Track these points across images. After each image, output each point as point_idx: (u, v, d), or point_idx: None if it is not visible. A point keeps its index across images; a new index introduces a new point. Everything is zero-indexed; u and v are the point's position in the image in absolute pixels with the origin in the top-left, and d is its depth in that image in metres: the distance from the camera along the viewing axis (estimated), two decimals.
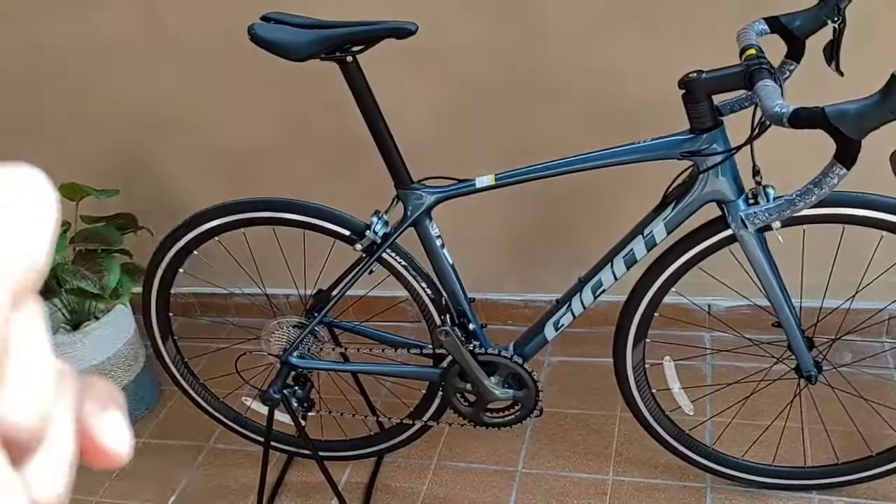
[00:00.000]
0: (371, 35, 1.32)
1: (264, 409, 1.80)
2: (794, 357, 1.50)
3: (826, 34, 1.37)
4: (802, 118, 1.07)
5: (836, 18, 1.35)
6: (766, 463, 1.70)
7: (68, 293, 2.08)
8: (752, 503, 1.69)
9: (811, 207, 1.20)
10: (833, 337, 1.54)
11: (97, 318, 2.15)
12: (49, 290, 1.97)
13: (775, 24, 1.38)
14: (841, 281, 1.58)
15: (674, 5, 1.71)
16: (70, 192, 2.04)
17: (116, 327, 2.15)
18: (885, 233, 1.36)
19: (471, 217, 1.88)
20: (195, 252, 1.66)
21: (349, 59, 1.36)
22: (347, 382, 1.94)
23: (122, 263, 2.04)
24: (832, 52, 1.38)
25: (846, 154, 1.08)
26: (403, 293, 2.17)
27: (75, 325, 2.13)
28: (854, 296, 1.55)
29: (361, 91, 1.39)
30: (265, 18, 1.37)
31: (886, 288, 1.63)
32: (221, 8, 1.98)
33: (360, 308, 2.05)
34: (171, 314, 1.78)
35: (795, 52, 1.39)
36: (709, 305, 2.13)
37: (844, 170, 1.09)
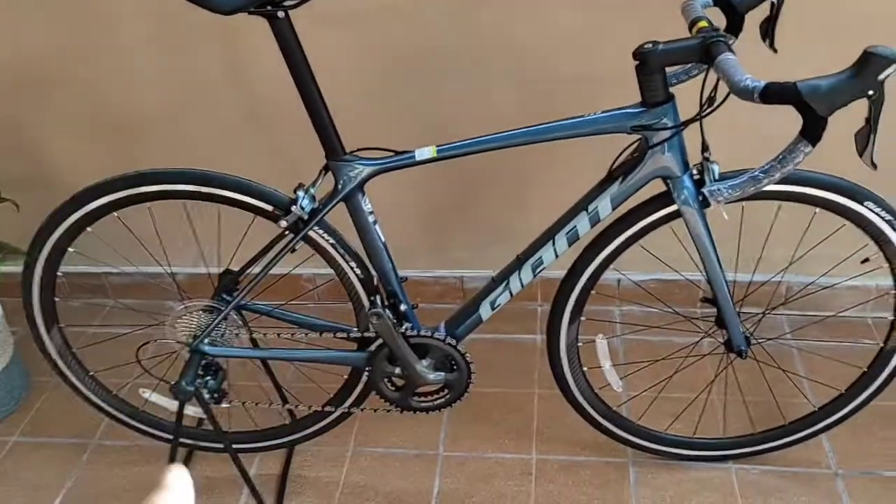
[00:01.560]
0: None
1: (165, 402, 1.64)
2: (723, 331, 1.52)
3: (763, 10, 1.37)
4: (774, 93, 1.05)
5: None
6: (687, 436, 1.73)
7: None
8: (672, 475, 1.72)
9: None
10: (763, 311, 1.57)
11: None
12: None
13: None
14: (777, 256, 1.62)
15: None
16: None
17: None
18: (818, 209, 1.38)
19: (379, 190, 1.78)
20: (89, 229, 1.47)
21: (281, 14, 1.22)
22: (256, 368, 1.80)
23: None
24: (768, 29, 1.38)
25: (814, 131, 1.06)
26: (316, 272, 2.07)
27: None
28: (785, 269, 1.59)
29: (292, 50, 1.25)
30: None
31: (814, 262, 1.67)
32: None
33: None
34: (56, 298, 1.57)
35: (734, 27, 1.38)
36: (618, 280, 2.14)
37: (810, 147, 1.08)
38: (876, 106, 1.04)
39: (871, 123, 1.05)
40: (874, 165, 1.08)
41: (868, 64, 1.01)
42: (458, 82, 1.83)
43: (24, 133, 2.07)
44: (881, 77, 1.02)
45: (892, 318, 1.52)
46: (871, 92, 1.03)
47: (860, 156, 1.08)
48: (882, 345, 1.56)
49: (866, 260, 1.47)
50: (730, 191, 1.21)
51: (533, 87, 1.81)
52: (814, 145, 1.09)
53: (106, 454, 1.88)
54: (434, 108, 1.87)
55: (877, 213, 1.37)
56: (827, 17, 1.66)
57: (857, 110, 1.05)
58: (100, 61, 1.91)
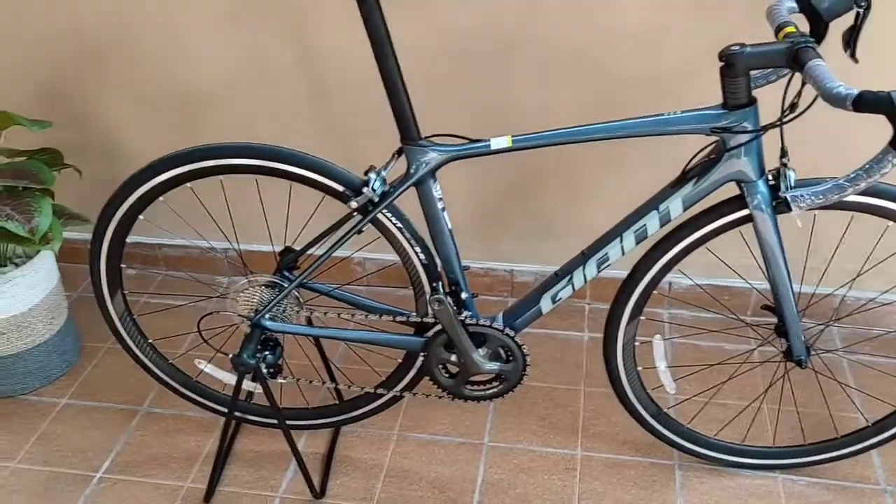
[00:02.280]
0: None
1: (220, 374, 1.67)
2: (781, 340, 1.51)
3: (847, 20, 1.36)
4: (868, 102, 1.04)
5: (862, 4, 1.34)
6: (736, 442, 1.72)
7: None
8: (718, 481, 1.71)
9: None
10: (826, 322, 1.56)
11: (15, 265, 1.92)
12: None
13: (804, 4, 1.35)
14: (836, 268, 1.61)
15: None
16: None
17: (39, 276, 1.93)
18: (891, 223, 1.37)
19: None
20: (161, 199, 1.49)
21: None
22: (308, 346, 1.81)
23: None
24: (851, 39, 1.36)
25: None
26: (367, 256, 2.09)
27: None
28: (851, 283, 1.58)
29: (379, 29, 1.26)
30: None
31: (875, 277, 1.66)
32: None
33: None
34: (123, 266, 1.60)
35: (818, 34, 1.36)
36: (669, 283, 2.13)
37: None
38: None
39: None
40: None
41: None
42: (528, 75, 1.83)
43: (88, 102, 2.10)
44: None
45: None
46: None
47: None
48: None
49: None
50: (813, 197, 1.20)
51: (602, 85, 1.81)
52: None
53: (155, 422, 1.91)
54: (503, 99, 1.87)
55: None
56: None
57: None
58: (167, 33, 1.93)
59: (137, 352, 1.72)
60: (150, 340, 1.72)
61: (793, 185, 1.31)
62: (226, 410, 1.67)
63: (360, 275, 2.25)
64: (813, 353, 1.52)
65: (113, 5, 1.91)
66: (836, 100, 1.07)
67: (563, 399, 1.93)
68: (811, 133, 1.45)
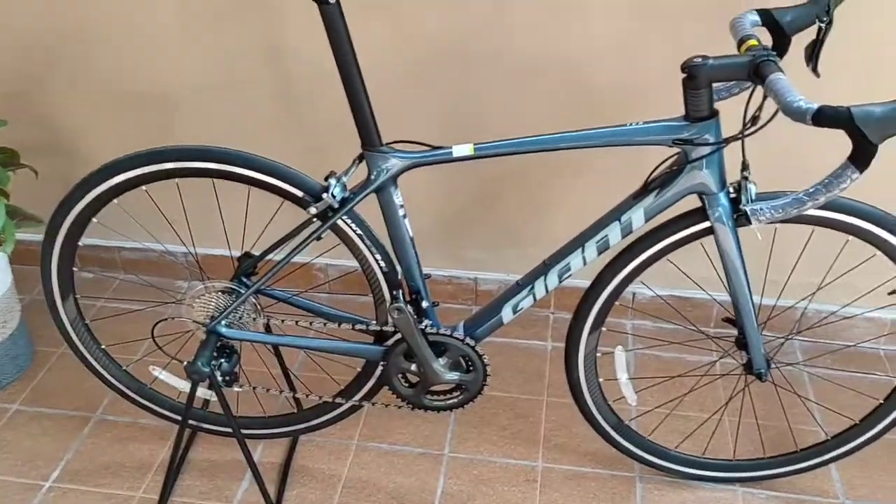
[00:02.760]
0: None
1: (174, 381, 1.63)
2: (742, 353, 1.51)
3: (809, 33, 1.37)
4: (827, 116, 1.04)
5: (825, 18, 1.34)
6: (696, 455, 1.72)
7: None
8: (679, 494, 1.70)
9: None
10: (787, 335, 1.56)
11: None
12: None
13: (767, 17, 1.35)
14: (797, 281, 1.61)
15: None
16: None
17: None
18: (851, 237, 1.37)
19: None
20: (115, 201, 1.45)
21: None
22: (266, 354, 1.78)
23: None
24: (813, 52, 1.37)
25: (862, 157, 1.05)
26: (329, 262, 2.06)
27: None
28: (811, 296, 1.58)
29: (341, 36, 1.24)
30: None
31: (837, 290, 1.66)
32: None
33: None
34: (74, 269, 1.56)
35: (780, 48, 1.37)
36: (633, 294, 2.13)
37: (858, 173, 1.07)
38: None
39: None
40: None
41: None
42: (495, 83, 1.82)
43: (47, 101, 2.06)
44: None
45: None
46: None
47: None
48: None
49: (894, 292, 1.46)
50: (772, 211, 1.20)
51: (569, 95, 1.80)
52: (861, 172, 1.08)
53: (108, 429, 1.86)
54: (469, 107, 1.86)
55: None
56: (870, 49, 1.65)
57: None
58: (132, 33, 1.90)
59: (90, 358, 1.67)
60: (103, 346, 1.68)
61: (753, 198, 1.30)
62: (180, 418, 1.63)
63: (321, 281, 2.22)
64: (773, 366, 1.53)
65: (74, 2, 1.87)
66: (796, 114, 1.07)
67: (525, 409, 1.91)
68: (773, 146, 1.45)
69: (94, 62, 1.96)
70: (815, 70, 1.38)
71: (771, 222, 1.23)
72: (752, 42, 1.26)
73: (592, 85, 1.77)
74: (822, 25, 1.35)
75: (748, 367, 1.51)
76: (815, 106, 1.05)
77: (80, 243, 1.52)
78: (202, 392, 1.60)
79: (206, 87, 1.94)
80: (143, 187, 1.43)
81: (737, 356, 1.54)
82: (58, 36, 1.93)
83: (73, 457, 1.79)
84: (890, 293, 1.47)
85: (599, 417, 1.64)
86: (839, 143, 1.07)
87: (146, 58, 1.93)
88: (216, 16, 1.81)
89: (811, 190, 1.13)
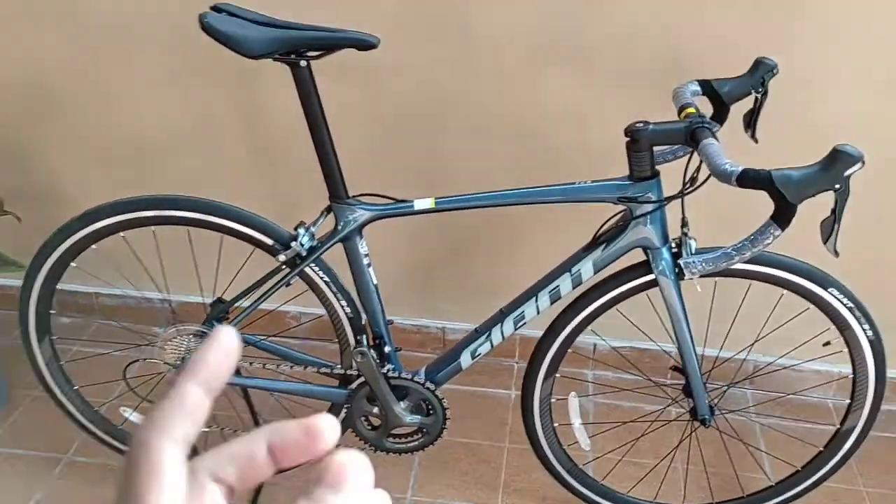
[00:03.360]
0: (333, 42, 1.28)
1: None
2: (689, 400, 1.59)
3: (747, 102, 1.48)
4: (750, 178, 1.14)
5: (759, 90, 1.46)
6: (648, 499, 1.78)
7: None
8: None
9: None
10: (728, 384, 1.64)
11: None
12: None
13: (707, 88, 1.47)
14: (737, 335, 1.70)
15: (604, 56, 1.78)
16: None
17: None
18: (785, 291, 1.47)
19: (372, 235, 1.86)
20: (94, 246, 1.53)
21: (304, 63, 1.31)
22: (236, 397, 1.84)
23: None
24: (751, 120, 1.49)
25: (783, 216, 1.16)
26: (302, 310, 2.13)
27: None
28: (751, 346, 1.67)
29: (311, 97, 1.34)
30: (215, 9, 1.30)
31: (781, 343, 1.76)
32: None
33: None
34: (51, 311, 1.62)
35: (720, 116, 1.49)
36: (594, 344, 2.21)
37: (780, 231, 1.17)
38: (841, 199, 1.14)
39: (836, 214, 1.15)
40: (836, 253, 1.17)
41: (836, 160, 1.11)
42: (459, 141, 1.93)
43: (31, 150, 2.14)
44: (847, 173, 1.12)
45: (850, 401, 1.60)
46: (837, 185, 1.12)
47: (824, 243, 1.17)
48: (838, 427, 1.63)
49: (828, 343, 1.55)
50: (703, 264, 1.30)
51: (528, 153, 1.91)
52: (783, 229, 1.18)
53: (78, 471, 1.90)
54: (434, 164, 1.96)
55: (839, 300, 1.46)
56: (805, 116, 1.77)
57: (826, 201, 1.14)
58: (114, 87, 1.99)
59: (62, 398, 1.73)
60: (76, 387, 1.73)
61: (693, 252, 1.40)
62: None
63: (293, 326, 2.29)
64: (717, 412, 1.61)
65: (62, 54, 1.97)
66: (723, 175, 1.17)
67: (487, 455, 1.97)
68: (715, 205, 1.56)
69: (79, 114, 2.05)
70: (753, 137, 1.50)
71: (703, 275, 1.32)
72: (691, 110, 1.37)
73: (547, 146, 1.88)
74: (758, 96, 1.47)
75: (693, 414, 1.59)
76: (740, 169, 1.15)
77: (57, 287, 1.59)
78: None
79: (182, 140, 2.03)
80: (122, 234, 1.51)
81: (684, 403, 1.62)
82: (44, 88, 2.02)
83: (43, 498, 1.83)
84: (824, 344, 1.56)
85: (554, 461, 1.71)
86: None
87: (127, 111, 2.02)
88: (193, 73, 1.92)
89: (738, 245, 1.23)
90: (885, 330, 1.53)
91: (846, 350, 1.53)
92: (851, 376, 1.57)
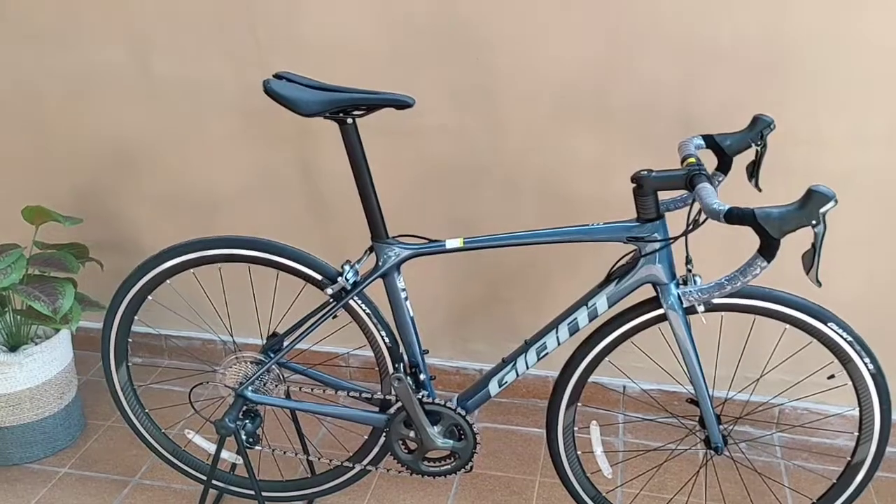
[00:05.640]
0: (375, 102, 1.50)
1: (206, 444, 1.87)
2: (704, 431, 1.70)
3: (749, 154, 1.64)
4: (735, 216, 1.29)
5: (758, 143, 1.62)
6: None
7: (16, 313, 2.10)
8: None
9: (733, 297, 1.44)
10: (737, 416, 1.75)
11: (35, 343, 2.16)
12: None
13: (710, 141, 1.63)
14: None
15: (618, 116, 1.97)
16: (34, 214, 2.10)
17: (55, 353, 2.16)
18: (788, 326, 1.59)
19: (417, 279, 2.04)
20: (168, 282, 1.75)
21: (350, 120, 1.53)
22: (283, 424, 2.01)
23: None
24: (753, 171, 1.64)
25: (768, 250, 1.30)
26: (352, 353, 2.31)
27: (13, 347, 2.14)
28: (756, 381, 1.78)
29: (356, 149, 1.55)
30: (277, 76, 1.53)
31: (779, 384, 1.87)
32: (207, 59, 2.13)
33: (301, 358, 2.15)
34: (130, 340, 1.84)
35: (724, 167, 1.64)
36: (623, 387, 2.33)
37: (766, 262, 1.31)
38: (819, 233, 1.28)
39: (816, 248, 1.28)
40: (819, 283, 1.30)
41: (811, 199, 1.26)
42: (488, 191, 2.13)
43: (113, 202, 2.41)
44: (822, 210, 1.26)
45: (858, 434, 1.68)
46: (814, 222, 1.27)
47: (807, 274, 1.30)
48: (849, 459, 1.72)
49: (832, 376, 1.65)
50: (699, 293, 1.44)
51: (551, 201, 2.09)
52: (769, 262, 1.32)
53: (144, 492, 2.09)
54: (466, 210, 2.16)
55: (839, 334, 1.57)
56: (806, 166, 1.91)
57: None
58: (188, 147, 2.27)
59: (134, 419, 1.93)
60: (146, 410, 1.93)
61: (703, 284, 1.54)
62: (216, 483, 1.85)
63: (343, 367, 2.47)
64: (731, 441, 1.71)
65: (146, 120, 2.25)
66: (713, 214, 1.32)
67: (519, 487, 2.09)
68: (726, 245, 1.70)
69: (156, 171, 2.32)
70: (756, 186, 1.65)
71: (700, 303, 1.46)
72: (691, 160, 1.53)
73: (566, 193, 2.06)
74: (758, 148, 1.63)
75: (707, 443, 1.70)
76: (726, 207, 1.31)
77: (136, 317, 1.81)
78: (228, 455, 1.83)
79: (246, 190, 2.28)
80: (192, 270, 1.73)
81: (699, 433, 1.73)
82: (130, 146, 2.31)
83: None
84: (829, 377, 1.66)
85: (578, 488, 1.82)
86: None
87: (197, 167, 2.29)
88: (256, 133, 2.19)
89: (730, 277, 1.37)
90: None
91: (850, 383, 1.62)
92: (858, 408, 1.65)
